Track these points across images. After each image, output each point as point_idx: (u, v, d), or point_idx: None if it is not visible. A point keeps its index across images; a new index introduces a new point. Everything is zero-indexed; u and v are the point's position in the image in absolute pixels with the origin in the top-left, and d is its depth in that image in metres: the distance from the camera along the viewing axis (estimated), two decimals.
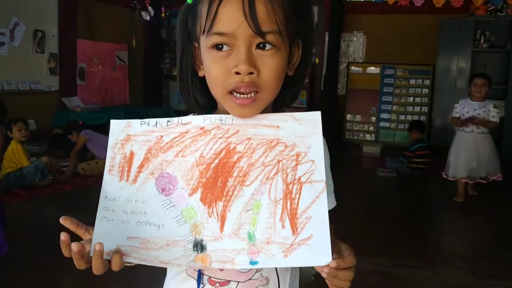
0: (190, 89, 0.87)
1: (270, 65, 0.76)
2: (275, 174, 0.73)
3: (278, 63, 0.77)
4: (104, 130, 6.39)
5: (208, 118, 0.77)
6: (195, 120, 0.77)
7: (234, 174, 0.74)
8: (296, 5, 0.79)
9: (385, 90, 8.14)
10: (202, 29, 0.77)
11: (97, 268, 0.72)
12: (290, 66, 0.84)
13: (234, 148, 0.75)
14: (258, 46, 0.75)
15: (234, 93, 0.76)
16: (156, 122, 0.77)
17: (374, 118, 8.22)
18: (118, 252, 0.72)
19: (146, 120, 0.78)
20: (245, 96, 0.76)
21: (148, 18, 7.44)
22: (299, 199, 0.72)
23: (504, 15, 7.25)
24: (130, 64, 8.81)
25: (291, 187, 0.73)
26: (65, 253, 0.72)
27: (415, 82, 8.01)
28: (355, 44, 8.43)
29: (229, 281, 0.83)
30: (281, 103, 0.87)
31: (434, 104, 7.70)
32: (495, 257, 3.34)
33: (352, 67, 8.33)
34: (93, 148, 5.44)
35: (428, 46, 7.71)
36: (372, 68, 8.19)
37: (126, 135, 0.77)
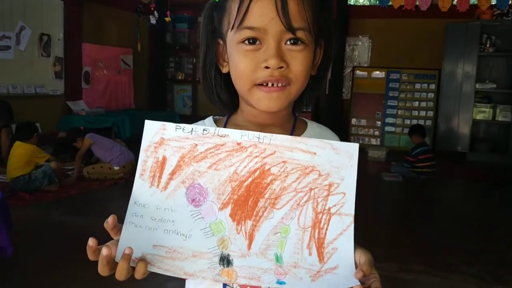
0: (213, 86, 0.87)
1: (299, 60, 0.78)
2: (306, 201, 0.73)
3: (307, 58, 0.79)
4: (108, 134, 6.41)
5: (246, 134, 0.75)
6: (233, 134, 0.75)
7: (266, 196, 0.74)
8: (321, 7, 0.82)
9: (390, 95, 8.12)
10: (231, 24, 0.78)
11: (122, 273, 0.70)
12: (313, 65, 0.85)
13: (269, 169, 0.74)
14: (287, 42, 0.77)
15: (262, 84, 0.78)
16: (192, 129, 0.75)
17: (379, 123, 8.19)
18: (143, 260, 0.71)
19: (182, 125, 0.75)
20: (274, 85, 0.78)
21: (154, 22, 7.47)
22: (327, 229, 0.72)
23: (510, 19, 7.23)
24: (135, 68, 8.84)
25: (320, 216, 0.73)
26: (91, 257, 0.71)
27: (421, 87, 7.98)
28: (360, 48, 8.41)
29: None
30: (300, 103, 0.89)
31: (440, 108, 7.67)
32: (502, 262, 3.31)
33: (357, 71, 8.31)
34: (98, 152, 5.44)
35: (433, 51, 7.69)
36: (377, 72, 8.17)
37: (160, 139, 0.75)
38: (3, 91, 6.27)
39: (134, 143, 6.52)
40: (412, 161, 5.90)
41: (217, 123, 0.92)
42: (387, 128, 8.16)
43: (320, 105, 8.46)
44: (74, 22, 7.28)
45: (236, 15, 0.77)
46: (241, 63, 0.79)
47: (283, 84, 0.78)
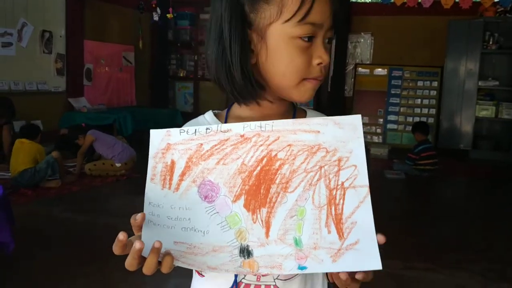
0: (248, 77, 0.80)
1: (329, 56, 0.82)
2: (317, 180, 0.73)
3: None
4: (110, 130, 6.40)
5: (248, 125, 0.76)
6: (235, 128, 0.76)
7: (277, 181, 0.74)
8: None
9: (393, 92, 8.10)
10: (287, 17, 0.76)
11: (150, 267, 0.71)
12: None
13: (276, 155, 0.75)
14: (328, 38, 0.81)
15: (308, 79, 0.81)
16: (195, 130, 0.77)
17: (381, 120, 8.18)
18: (169, 254, 0.72)
19: (185, 128, 0.78)
20: (317, 80, 0.81)
21: (157, 18, 7.46)
22: (343, 204, 0.72)
23: None
24: (136, 65, 8.82)
25: (334, 192, 0.72)
26: (118, 251, 0.71)
27: (423, 84, 7.96)
28: (363, 46, 8.39)
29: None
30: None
31: (442, 106, 7.65)
32: (507, 259, 3.29)
33: (360, 68, 8.29)
34: (100, 149, 5.43)
35: (436, 48, 7.66)
36: (380, 69, 8.15)
37: (166, 144, 0.77)
38: (5, 87, 6.25)
39: (135, 140, 6.52)
40: (415, 158, 5.88)
41: (217, 116, 0.91)
42: (389, 126, 8.14)
43: (322, 102, 8.45)
44: (76, 19, 7.26)
45: (298, 9, 0.75)
46: (298, 59, 0.78)
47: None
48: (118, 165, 5.31)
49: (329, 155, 0.73)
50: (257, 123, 0.76)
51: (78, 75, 7.49)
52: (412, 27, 7.79)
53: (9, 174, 4.81)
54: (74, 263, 2.99)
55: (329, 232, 0.71)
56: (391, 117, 8.12)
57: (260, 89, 0.83)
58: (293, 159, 0.74)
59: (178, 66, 9.68)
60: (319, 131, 0.74)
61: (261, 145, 0.75)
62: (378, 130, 8.19)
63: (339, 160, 0.73)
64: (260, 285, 0.84)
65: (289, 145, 0.74)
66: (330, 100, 8.25)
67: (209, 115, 0.92)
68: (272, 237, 0.72)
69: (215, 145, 0.76)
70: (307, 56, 0.78)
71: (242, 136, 0.75)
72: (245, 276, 0.84)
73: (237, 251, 0.72)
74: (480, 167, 6.71)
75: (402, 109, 8.06)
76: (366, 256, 0.69)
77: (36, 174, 4.66)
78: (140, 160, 5.56)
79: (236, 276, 0.83)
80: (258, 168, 0.74)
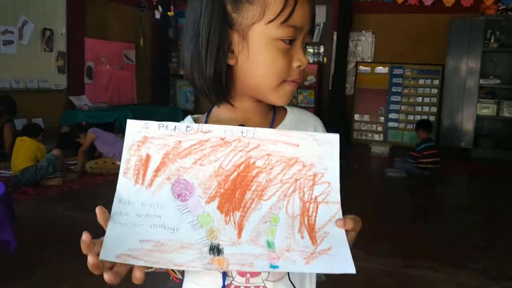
0: (222, 77, 0.81)
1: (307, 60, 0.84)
2: (292, 192, 0.74)
3: None
4: (111, 128, 6.40)
5: (230, 129, 0.75)
6: (216, 130, 0.75)
7: (253, 188, 0.74)
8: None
9: (394, 90, 8.09)
10: (269, 18, 0.76)
11: (94, 269, 0.70)
12: None
13: (254, 162, 0.74)
14: (306, 42, 0.82)
15: (287, 81, 0.81)
16: (175, 126, 0.75)
17: (382, 118, 8.17)
18: (138, 268, 0.69)
19: (164, 123, 0.76)
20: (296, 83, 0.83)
21: (159, 16, 7.45)
22: (316, 217, 0.73)
23: None
24: (137, 63, 8.82)
25: (307, 205, 0.74)
26: (84, 251, 0.70)
27: (424, 82, 7.95)
28: (364, 44, 8.38)
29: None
30: None
31: (443, 104, 7.64)
32: (509, 258, 3.29)
33: (361, 66, 8.28)
34: (101, 147, 5.43)
35: (437, 46, 7.65)
36: (381, 67, 8.14)
37: (143, 137, 0.75)
38: (6, 85, 6.25)
39: None
40: (417, 156, 5.87)
41: (197, 121, 0.90)
42: (390, 124, 8.13)
43: (322, 100, 8.44)
44: (77, 16, 7.26)
45: (281, 10, 0.75)
46: (280, 61, 0.79)
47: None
48: (119, 163, 5.27)
49: (305, 169, 0.74)
50: (239, 128, 0.75)
51: (79, 73, 7.49)
52: (413, 25, 7.77)
53: (10, 172, 4.81)
54: (76, 261, 2.98)
55: (302, 237, 0.72)
56: (392, 115, 8.11)
57: (232, 90, 0.83)
58: (271, 168, 0.74)
59: (179, 64, 9.66)
60: (298, 145, 0.75)
61: (241, 150, 0.74)
62: (379, 128, 8.18)
63: (315, 175, 0.74)
64: (250, 287, 0.83)
65: (268, 154, 0.74)
66: (331, 98, 8.24)
67: (188, 120, 0.91)
68: (244, 238, 0.72)
69: (194, 145, 0.74)
70: (287, 59, 0.79)
71: (222, 139, 0.74)
72: (234, 278, 0.84)
73: (206, 249, 0.71)
74: (481, 165, 6.71)
75: (403, 107, 8.06)
76: (339, 261, 0.70)
77: (38, 172, 4.66)
78: None
79: (224, 278, 0.82)
80: (235, 173, 0.74)
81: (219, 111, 0.90)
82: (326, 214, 0.73)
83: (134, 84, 8.84)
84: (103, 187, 4.95)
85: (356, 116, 8.29)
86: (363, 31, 8.33)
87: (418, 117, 7.64)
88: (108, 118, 6.85)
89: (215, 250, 0.71)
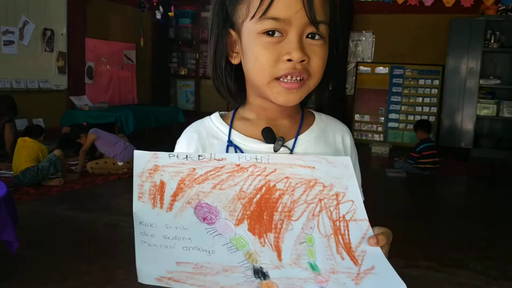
0: (223, 78, 0.85)
1: (319, 54, 0.77)
2: (319, 211, 0.72)
3: (325, 53, 0.79)
4: (111, 129, 6.40)
5: (243, 156, 0.74)
6: (230, 157, 0.73)
7: (279, 209, 0.72)
8: (333, 4, 0.81)
9: (394, 90, 8.10)
10: (251, 14, 0.76)
11: None
12: None
13: (274, 185, 0.73)
14: (308, 36, 0.76)
15: (281, 79, 0.76)
16: (187, 155, 0.73)
17: (382, 118, 8.18)
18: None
19: (175, 153, 0.73)
20: (293, 79, 0.76)
21: (159, 16, 7.46)
22: (349, 235, 0.71)
23: None
24: (138, 63, 8.82)
25: (338, 224, 0.72)
26: None
27: (424, 82, 7.95)
28: (364, 44, 8.38)
29: None
30: (308, 96, 0.86)
31: (443, 104, 7.65)
32: (510, 258, 3.30)
33: (361, 66, 8.29)
34: (102, 147, 5.44)
35: (437, 46, 7.66)
36: (381, 68, 8.14)
37: (154, 166, 0.72)
38: (6, 86, 6.26)
39: (137, 138, 6.52)
40: (417, 157, 5.88)
41: (223, 118, 0.89)
42: (391, 124, 8.14)
43: (323, 100, 8.44)
44: (78, 17, 7.26)
45: (260, 4, 0.74)
46: (262, 55, 0.76)
47: (302, 78, 0.77)
48: (120, 163, 5.32)
49: (327, 190, 0.73)
50: (253, 155, 0.74)
51: (80, 73, 7.49)
52: (413, 26, 7.78)
53: (12, 172, 4.82)
54: (77, 261, 3.00)
55: (342, 258, 0.70)
56: (392, 116, 8.12)
57: (240, 88, 0.84)
58: (292, 190, 0.73)
59: (180, 64, 9.68)
60: (314, 167, 0.73)
61: (259, 175, 0.73)
62: (380, 129, 8.19)
63: (337, 194, 0.73)
64: None
65: (286, 177, 0.73)
66: (331, 98, 8.24)
67: (215, 117, 0.90)
68: (286, 260, 0.69)
69: (210, 171, 0.72)
70: (274, 53, 0.75)
71: (238, 165, 0.72)
72: None
73: (250, 272, 0.68)
74: (481, 165, 6.71)
75: (403, 108, 8.07)
76: (387, 279, 0.68)
77: (39, 172, 4.67)
78: None
79: None
80: (258, 195, 0.72)
81: (244, 110, 0.89)
82: (358, 232, 0.72)
83: (135, 84, 8.85)
84: (104, 187, 4.95)
85: (356, 116, 8.29)
86: (364, 31, 8.34)
87: (418, 117, 7.64)
88: (108, 118, 6.86)
89: (260, 273, 0.69)
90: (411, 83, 8.01)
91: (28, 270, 2.87)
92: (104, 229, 3.58)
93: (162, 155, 0.71)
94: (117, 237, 3.40)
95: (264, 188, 0.72)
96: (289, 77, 0.76)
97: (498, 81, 7.40)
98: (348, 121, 8.22)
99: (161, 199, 0.71)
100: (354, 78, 8.38)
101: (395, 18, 7.88)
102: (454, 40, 7.40)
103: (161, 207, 0.70)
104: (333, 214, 0.72)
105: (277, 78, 0.77)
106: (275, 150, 0.82)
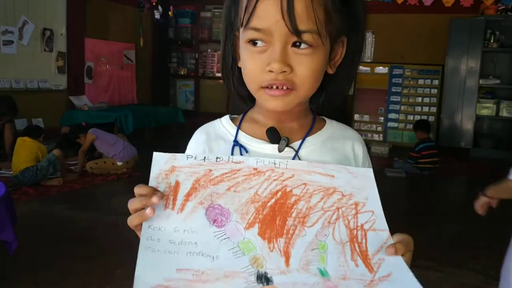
0: (231, 78, 0.86)
1: (305, 64, 0.74)
2: (336, 219, 0.71)
3: (314, 62, 0.75)
4: (111, 129, 6.40)
5: (261, 160, 0.74)
6: (248, 161, 0.74)
7: (293, 215, 0.70)
8: (342, 3, 0.76)
9: (393, 90, 8.09)
10: (240, 22, 0.76)
11: None
12: (332, 64, 0.81)
13: (291, 191, 0.72)
14: (294, 44, 0.73)
15: (267, 88, 0.77)
16: (205, 157, 0.74)
17: (382, 118, 8.17)
18: None
19: (193, 154, 0.75)
20: (278, 87, 0.76)
21: (158, 16, 7.46)
22: (366, 243, 0.69)
23: None
24: (137, 63, 8.82)
25: (355, 232, 0.70)
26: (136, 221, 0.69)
27: (424, 82, 7.95)
28: None
29: None
30: (315, 101, 0.86)
31: (443, 104, 7.65)
32: None
33: (360, 66, 8.26)
34: (101, 147, 5.43)
35: (437, 46, 7.66)
36: (380, 67, 8.14)
37: (171, 167, 0.73)
38: (6, 86, 6.26)
39: (136, 138, 6.52)
40: (416, 156, 5.88)
41: (233, 120, 0.90)
42: (390, 124, 8.14)
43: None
44: (77, 17, 7.26)
45: (244, 14, 0.74)
46: (248, 64, 0.77)
47: (288, 88, 0.75)
48: (119, 163, 5.32)
49: (345, 199, 0.72)
50: (271, 159, 0.74)
51: (79, 73, 7.49)
52: (413, 25, 7.78)
53: (11, 172, 4.81)
54: (77, 261, 3.00)
55: (356, 265, 0.67)
56: (392, 116, 8.11)
57: (246, 90, 0.84)
58: (309, 197, 0.71)
59: (179, 64, 9.68)
60: (333, 176, 0.73)
61: (275, 179, 0.72)
62: (379, 129, 8.19)
63: (356, 204, 0.72)
64: None
65: (304, 183, 0.72)
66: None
67: (225, 119, 0.91)
68: (294, 266, 0.67)
69: (226, 173, 0.72)
70: (258, 63, 0.75)
71: (255, 169, 0.73)
72: None
73: (253, 278, 0.65)
74: (480, 165, 6.71)
75: (403, 108, 8.06)
76: (404, 285, 0.65)
77: (38, 172, 4.67)
78: (141, 159, 5.57)
79: None
80: (273, 200, 0.71)
81: (253, 111, 0.89)
82: (377, 241, 0.69)
83: (134, 84, 8.84)
84: (103, 187, 4.95)
85: (356, 116, 8.29)
86: None
87: (417, 117, 7.63)
88: (108, 118, 6.86)
89: (263, 279, 0.66)
90: (411, 83, 8.01)
91: (27, 269, 2.87)
92: (103, 229, 3.58)
93: (180, 157, 0.73)
94: (116, 237, 3.39)
95: (279, 193, 0.72)
96: (274, 87, 0.75)
97: (498, 81, 7.40)
98: (347, 121, 8.22)
99: (174, 199, 0.70)
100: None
101: (395, 18, 7.87)
102: (453, 40, 7.40)
103: (173, 208, 0.70)
104: (350, 223, 0.70)
105: (264, 87, 0.77)
106: (280, 150, 0.82)
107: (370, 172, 0.74)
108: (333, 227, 0.70)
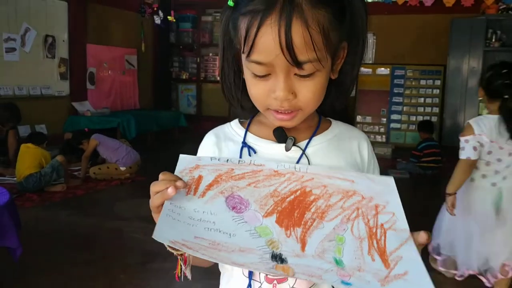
0: (233, 92, 0.86)
1: (308, 88, 0.76)
2: (355, 217, 0.71)
3: (317, 84, 0.76)
4: (114, 134, 6.42)
5: (282, 164, 0.77)
6: (269, 164, 0.77)
7: (312, 210, 0.72)
8: (340, 14, 0.75)
9: (395, 91, 8.09)
10: (242, 47, 0.75)
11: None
12: (333, 69, 0.82)
13: (310, 191, 0.73)
14: (295, 73, 0.74)
15: (271, 110, 0.79)
16: (228, 159, 0.78)
17: (384, 119, 8.17)
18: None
19: (216, 157, 0.79)
20: (284, 112, 0.78)
21: (159, 22, 7.48)
22: (385, 241, 0.69)
23: None
24: (139, 68, 8.85)
25: (374, 230, 0.70)
26: (160, 187, 0.70)
27: (426, 83, 7.94)
28: None
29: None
30: (323, 108, 0.87)
31: (445, 104, 7.64)
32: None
33: (362, 68, 8.27)
34: (104, 152, 5.45)
35: (438, 46, 7.65)
36: (382, 69, 8.14)
37: (195, 164, 0.77)
38: (8, 92, 6.28)
39: (139, 143, 6.53)
40: (419, 155, 5.89)
41: (242, 124, 0.93)
42: (393, 125, 8.13)
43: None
44: (78, 23, 7.29)
45: (244, 44, 0.73)
46: (253, 90, 0.79)
47: (292, 111, 0.78)
48: (122, 169, 5.33)
49: (365, 201, 0.72)
50: (292, 164, 0.76)
51: (81, 79, 7.52)
52: (414, 26, 7.78)
53: (15, 178, 4.83)
54: (80, 266, 3.00)
55: (373, 260, 0.67)
56: (394, 117, 8.11)
57: (251, 102, 0.84)
58: (329, 196, 0.72)
59: (181, 69, 9.70)
60: (353, 181, 0.74)
61: (295, 180, 0.74)
62: (382, 130, 8.18)
63: (376, 206, 0.72)
64: None
65: (324, 185, 0.73)
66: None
67: (234, 122, 0.93)
68: (309, 252, 0.67)
69: (247, 172, 0.75)
70: (264, 89, 0.76)
71: (275, 171, 0.75)
72: (261, 283, 0.81)
73: (268, 256, 0.66)
74: None
75: (405, 108, 8.06)
76: (418, 286, 0.65)
77: (42, 178, 4.68)
78: (144, 163, 5.58)
79: (250, 284, 0.81)
80: (292, 196, 0.72)
81: (260, 115, 0.90)
82: (396, 239, 0.69)
83: (136, 89, 8.87)
84: (107, 192, 4.96)
85: (358, 118, 8.29)
86: None
87: (420, 118, 7.62)
88: (111, 124, 6.88)
89: (278, 258, 0.67)
90: (413, 83, 8.01)
91: (31, 275, 2.88)
92: (107, 234, 3.59)
93: (205, 158, 0.78)
94: (120, 242, 3.40)
95: (299, 191, 0.73)
96: (280, 110, 0.78)
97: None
98: (350, 123, 8.17)
99: (196, 188, 0.73)
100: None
101: (396, 19, 7.88)
102: (455, 40, 7.39)
103: (194, 193, 0.73)
104: (370, 221, 0.71)
105: (270, 109, 0.79)
106: (287, 150, 0.84)
107: (391, 180, 0.75)
108: (352, 223, 0.71)
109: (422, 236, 0.70)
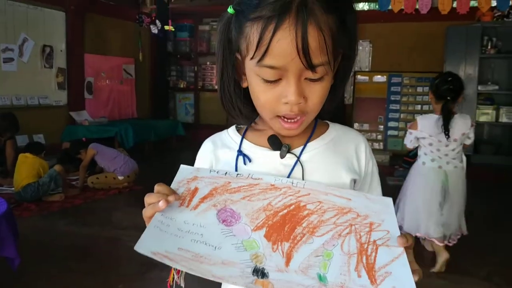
0: (233, 101, 0.86)
1: (317, 93, 0.78)
2: (347, 233, 0.71)
3: (324, 89, 0.79)
4: (111, 143, 6.42)
5: (279, 179, 0.78)
6: (266, 178, 0.78)
7: (303, 225, 0.72)
8: (343, 24, 0.77)
9: (392, 99, 8.11)
10: (251, 54, 0.75)
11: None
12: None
13: (305, 205, 0.74)
14: (306, 77, 0.76)
15: (282, 117, 0.79)
16: (226, 172, 0.79)
17: (381, 127, 8.18)
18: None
19: (215, 169, 0.81)
20: (292, 120, 0.79)
21: (156, 31, 7.51)
22: (375, 257, 0.68)
23: (511, 20, 7.23)
24: (137, 78, 8.86)
25: (365, 246, 0.70)
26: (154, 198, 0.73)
27: (423, 90, 7.96)
28: (361, 53, 8.42)
29: None
30: (322, 111, 0.87)
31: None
32: None
33: (359, 76, 8.32)
34: (102, 162, 5.44)
35: (435, 54, 7.69)
36: (379, 76, 8.17)
37: (194, 176, 0.79)
38: (6, 102, 6.29)
39: (137, 152, 6.53)
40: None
41: (239, 130, 0.93)
42: (390, 132, 8.15)
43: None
44: (76, 33, 7.32)
45: (256, 49, 0.73)
46: (262, 96, 0.78)
47: (300, 117, 0.79)
48: (120, 178, 5.32)
49: (360, 218, 0.72)
50: (289, 179, 0.77)
51: (79, 89, 7.53)
52: (410, 34, 7.83)
53: (13, 188, 4.82)
54: (78, 276, 2.99)
55: (359, 276, 0.66)
56: (392, 124, 8.12)
57: (252, 109, 0.84)
58: (323, 212, 0.73)
59: (178, 78, 9.72)
60: (350, 199, 0.74)
61: (291, 195, 0.75)
62: (379, 137, 8.20)
63: (371, 224, 0.72)
64: None
65: (319, 201, 0.74)
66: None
67: (231, 129, 0.94)
68: (293, 267, 0.67)
69: (243, 186, 0.76)
70: (273, 94, 0.77)
71: (272, 185, 0.76)
72: None
73: (249, 270, 0.66)
74: (482, 171, 6.69)
75: (402, 116, 8.07)
76: None
77: (40, 188, 4.67)
78: (142, 172, 5.57)
79: None
80: (285, 210, 0.73)
81: (259, 122, 0.91)
82: (388, 255, 0.68)
83: (134, 98, 8.88)
84: (105, 201, 4.95)
85: (356, 125, 8.30)
86: (360, 41, 8.38)
87: None
88: (108, 133, 6.87)
89: (259, 272, 0.67)
90: (409, 91, 8.03)
91: (30, 285, 2.87)
92: (105, 244, 3.58)
93: (204, 170, 0.80)
94: (118, 252, 3.39)
95: (293, 206, 0.74)
96: (290, 120, 0.79)
97: (496, 87, 7.42)
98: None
99: (190, 200, 0.75)
100: (352, 87, 8.41)
101: (392, 26, 7.93)
102: (451, 47, 7.43)
103: (187, 206, 0.74)
104: (362, 238, 0.71)
105: (278, 116, 0.80)
106: (281, 157, 0.84)
107: (389, 200, 0.76)
108: (343, 239, 0.70)
109: (399, 241, 0.70)
